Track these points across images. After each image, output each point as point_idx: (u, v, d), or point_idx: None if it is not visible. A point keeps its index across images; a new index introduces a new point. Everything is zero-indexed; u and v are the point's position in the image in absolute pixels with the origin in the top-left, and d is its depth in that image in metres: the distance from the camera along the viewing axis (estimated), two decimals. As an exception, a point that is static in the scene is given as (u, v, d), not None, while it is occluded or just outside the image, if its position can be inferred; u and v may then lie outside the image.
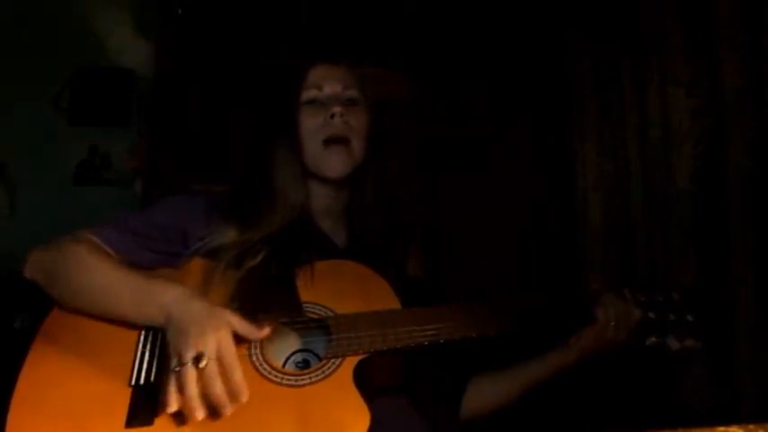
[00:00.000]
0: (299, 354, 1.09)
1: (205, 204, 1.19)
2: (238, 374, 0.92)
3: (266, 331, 0.99)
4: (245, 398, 0.91)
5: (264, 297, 0.99)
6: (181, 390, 0.90)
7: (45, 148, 2.53)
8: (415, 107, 2.03)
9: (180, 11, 2.31)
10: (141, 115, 2.54)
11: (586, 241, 1.75)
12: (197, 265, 1.13)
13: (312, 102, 1.25)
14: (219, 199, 1.21)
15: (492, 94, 2.04)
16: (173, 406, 0.90)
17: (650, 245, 1.53)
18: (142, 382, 0.98)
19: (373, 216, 1.29)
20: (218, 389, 0.90)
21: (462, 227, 1.98)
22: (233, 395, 0.91)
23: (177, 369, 0.90)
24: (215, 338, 0.92)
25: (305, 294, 1.10)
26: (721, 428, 0.73)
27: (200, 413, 0.89)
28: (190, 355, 0.90)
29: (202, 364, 0.89)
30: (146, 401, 0.95)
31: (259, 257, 1.12)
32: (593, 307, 1.14)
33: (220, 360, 0.91)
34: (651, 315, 1.14)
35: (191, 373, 0.89)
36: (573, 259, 1.78)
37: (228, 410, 0.91)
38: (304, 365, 1.07)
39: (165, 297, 1.00)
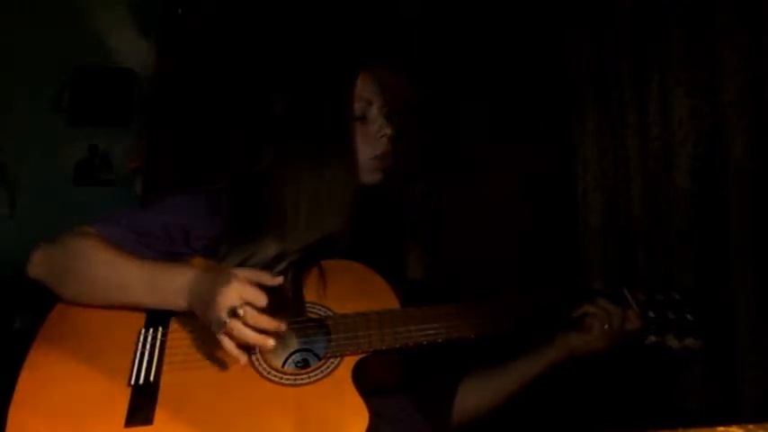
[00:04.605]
0: (298, 353, 1.09)
1: (206, 203, 1.19)
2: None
3: (279, 278, 1.03)
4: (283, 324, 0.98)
5: (269, 297, 0.99)
6: (239, 341, 0.95)
7: (45, 148, 2.53)
8: (416, 108, 2.03)
9: (180, 11, 2.30)
10: (141, 115, 2.54)
11: (586, 241, 1.75)
12: (199, 264, 1.12)
13: (362, 118, 1.24)
14: (222, 197, 1.21)
15: (492, 93, 2.03)
16: (242, 358, 0.96)
17: (650, 245, 1.52)
18: (141, 381, 0.98)
19: (374, 216, 1.29)
20: (265, 322, 0.96)
21: (462, 227, 1.98)
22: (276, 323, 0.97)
23: (223, 331, 0.95)
24: (233, 289, 0.96)
25: (307, 294, 1.10)
26: (721, 428, 0.73)
27: (270, 342, 0.95)
28: (224, 314, 0.94)
29: (240, 313, 0.94)
30: (145, 401, 0.96)
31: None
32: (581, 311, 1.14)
33: (250, 303, 0.95)
34: (651, 314, 1.14)
35: (236, 325, 0.94)
36: (573, 259, 1.78)
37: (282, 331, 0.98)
38: (303, 365, 1.07)
39: (182, 279, 1.04)
